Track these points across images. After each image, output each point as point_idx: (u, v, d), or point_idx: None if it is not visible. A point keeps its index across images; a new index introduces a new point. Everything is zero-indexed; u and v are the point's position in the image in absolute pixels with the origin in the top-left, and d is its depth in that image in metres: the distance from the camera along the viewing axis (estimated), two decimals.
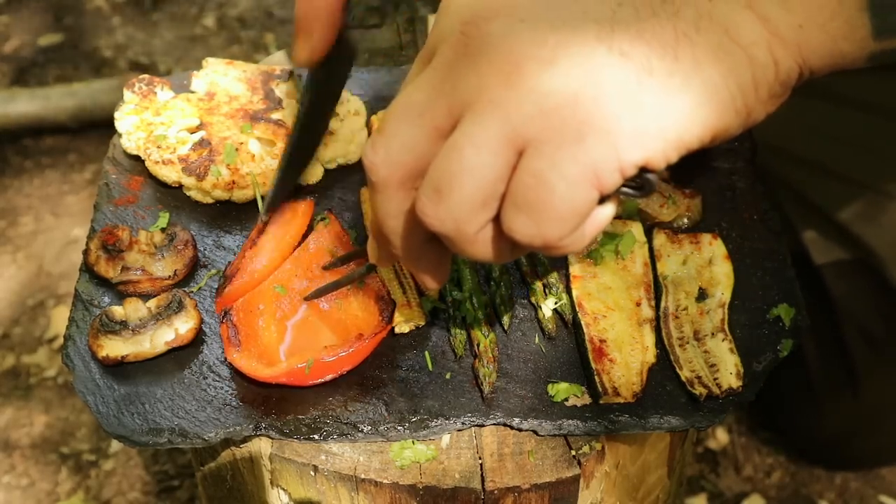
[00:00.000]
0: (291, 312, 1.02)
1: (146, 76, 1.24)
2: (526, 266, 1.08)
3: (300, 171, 1.11)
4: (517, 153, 0.71)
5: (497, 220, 0.75)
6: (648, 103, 0.70)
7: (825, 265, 1.65)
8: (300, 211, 1.12)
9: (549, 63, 0.70)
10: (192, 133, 1.18)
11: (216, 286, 1.07)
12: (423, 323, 1.03)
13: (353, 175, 1.19)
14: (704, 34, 0.72)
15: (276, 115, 1.18)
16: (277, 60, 1.35)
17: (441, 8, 0.77)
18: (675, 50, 0.71)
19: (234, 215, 1.14)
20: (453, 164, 0.72)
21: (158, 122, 1.18)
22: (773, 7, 0.73)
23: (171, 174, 1.15)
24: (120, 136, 1.20)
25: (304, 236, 1.11)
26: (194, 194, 1.16)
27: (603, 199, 0.74)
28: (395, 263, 1.06)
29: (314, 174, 1.18)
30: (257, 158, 1.14)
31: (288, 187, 1.07)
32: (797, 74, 0.76)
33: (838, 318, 1.68)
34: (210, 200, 1.15)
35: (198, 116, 1.19)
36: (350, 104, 1.20)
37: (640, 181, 0.74)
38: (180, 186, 1.17)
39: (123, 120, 1.20)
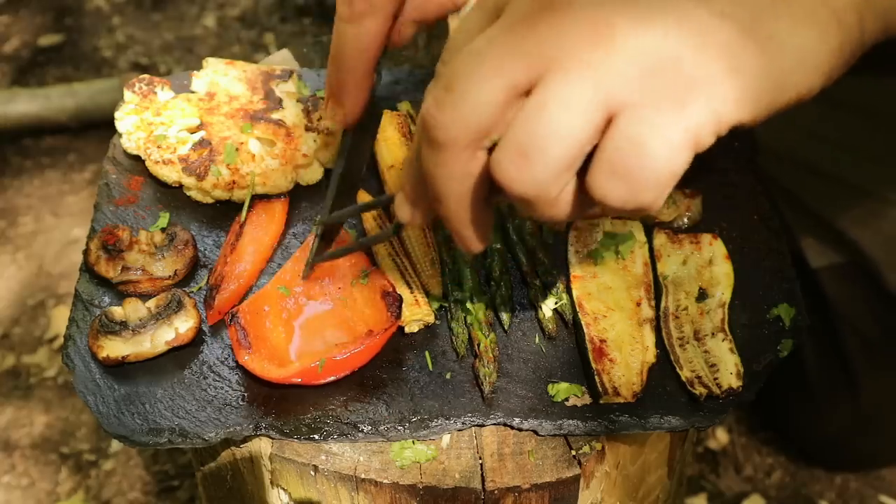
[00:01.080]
0: (298, 312, 1.02)
1: (146, 76, 1.24)
2: (526, 266, 1.08)
3: (342, 221, 1.08)
4: (609, 115, 0.68)
5: (579, 177, 0.71)
6: (749, 65, 0.68)
7: (821, 269, 1.65)
8: (277, 209, 1.13)
9: (644, 21, 0.67)
10: (192, 133, 1.18)
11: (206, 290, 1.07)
12: (432, 321, 1.03)
13: None
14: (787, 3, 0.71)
15: (276, 115, 1.18)
16: (278, 60, 1.35)
17: None
18: (774, 11, 0.70)
19: (234, 215, 1.14)
20: (541, 127, 0.68)
21: (158, 122, 1.18)
22: None
23: (171, 174, 1.15)
24: (120, 136, 1.20)
25: (283, 233, 1.12)
26: (194, 194, 1.16)
27: None
28: (399, 259, 1.06)
29: (313, 174, 1.18)
30: (257, 158, 1.14)
31: (333, 238, 1.05)
32: (881, 38, 0.76)
33: (835, 321, 1.68)
34: (210, 200, 1.15)
35: (198, 116, 1.19)
36: None
37: None
38: (180, 186, 1.17)
39: (123, 120, 1.20)
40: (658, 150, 0.67)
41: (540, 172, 0.69)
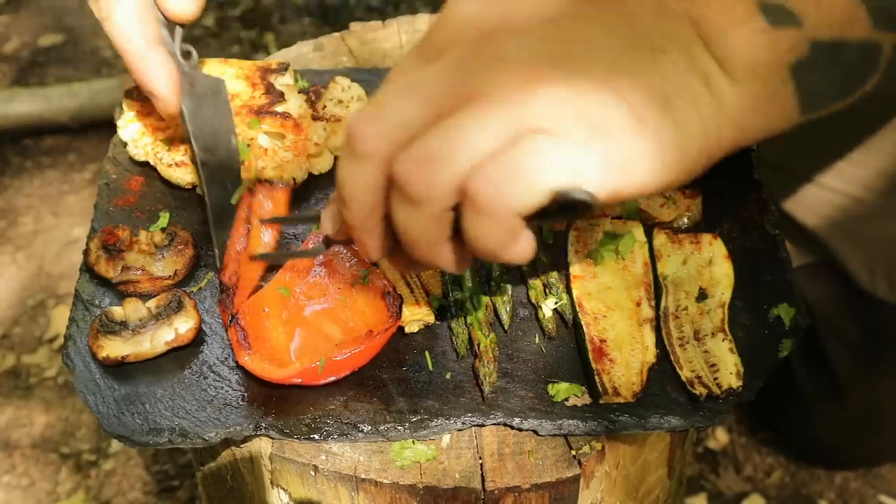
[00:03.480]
0: (298, 313, 1.02)
1: None
2: (526, 266, 1.08)
3: (230, 207, 1.10)
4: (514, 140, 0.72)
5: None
6: (636, 147, 0.74)
7: (796, 269, 1.65)
8: (280, 198, 1.11)
9: (566, 80, 0.73)
10: None
11: (218, 290, 1.06)
12: (432, 321, 1.03)
13: None
14: (680, 100, 0.76)
15: (280, 108, 1.18)
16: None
17: (448, 10, 0.78)
18: (666, 103, 0.75)
19: None
20: (453, 138, 0.72)
21: (164, 125, 1.18)
22: (726, 87, 0.78)
23: (185, 176, 1.15)
24: (125, 144, 1.20)
25: (283, 233, 1.11)
26: None
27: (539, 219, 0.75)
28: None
29: (325, 163, 1.18)
30: (270, 152, 1.14)
31: (227, 226, 1.08)
32: (734, 147, 0.81)
33: (815, 323, 1.68)
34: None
35: None
36: (352, 90, 1.21)
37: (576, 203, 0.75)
38: (194, 187, 1.16)
39: (127, 128, 1.19)
40: (545, 160, 0.71)
41: (438, 177, 0.73)
